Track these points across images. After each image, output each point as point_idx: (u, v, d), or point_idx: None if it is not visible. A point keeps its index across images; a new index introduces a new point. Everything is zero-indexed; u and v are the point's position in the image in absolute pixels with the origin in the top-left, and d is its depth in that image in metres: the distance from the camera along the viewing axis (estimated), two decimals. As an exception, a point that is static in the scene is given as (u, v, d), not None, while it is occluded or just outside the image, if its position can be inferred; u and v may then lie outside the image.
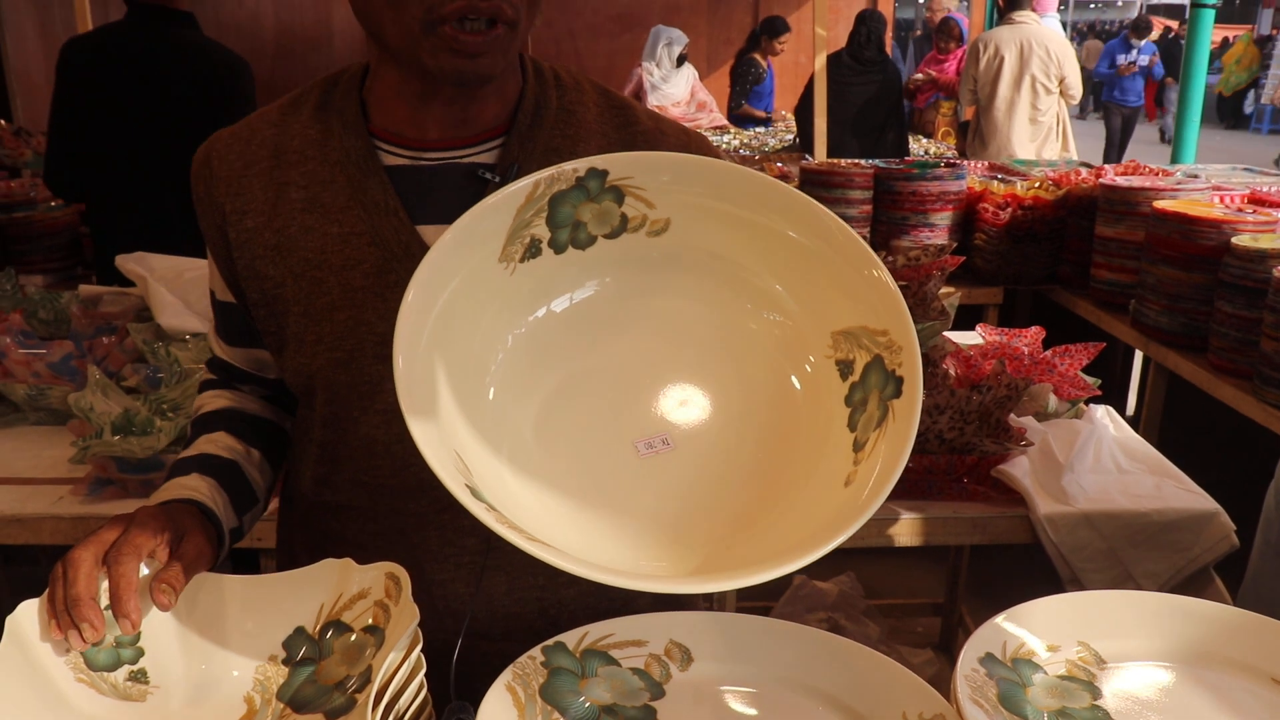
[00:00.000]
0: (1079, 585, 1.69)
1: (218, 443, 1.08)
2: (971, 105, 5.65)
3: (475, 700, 0.82)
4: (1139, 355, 3.34)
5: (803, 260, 0.87)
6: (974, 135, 5.63)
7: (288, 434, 1.17)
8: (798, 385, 0.89)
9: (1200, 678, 0.90)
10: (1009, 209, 3.23)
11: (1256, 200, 2.93)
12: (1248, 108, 16.70)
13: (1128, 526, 1.70)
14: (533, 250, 0.87)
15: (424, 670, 0.83)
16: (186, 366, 1.91)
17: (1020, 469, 1.74)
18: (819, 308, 0.88)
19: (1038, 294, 3.43)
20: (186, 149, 3.24)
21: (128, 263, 2.25)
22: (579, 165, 0.84)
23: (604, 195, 0.86)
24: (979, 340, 2.21)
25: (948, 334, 2.18)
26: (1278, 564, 1.56)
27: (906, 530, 1.69)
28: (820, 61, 4.30)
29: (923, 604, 2.91)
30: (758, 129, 6.23)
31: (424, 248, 0.95)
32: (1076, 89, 5.46)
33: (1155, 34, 11.34)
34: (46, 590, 0.85)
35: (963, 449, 1.72)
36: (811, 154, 4.39)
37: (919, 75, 6.82)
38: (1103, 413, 1.97)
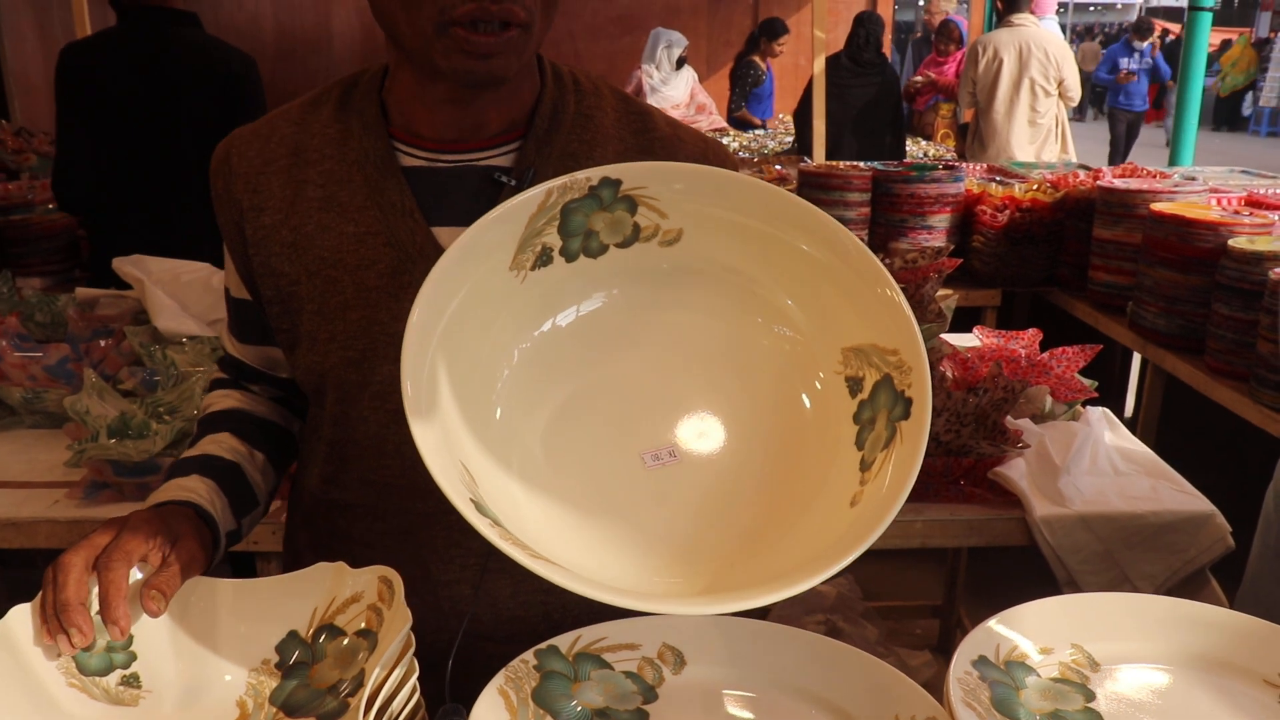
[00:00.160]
0: (1075, 587, 1.69)
1: (221, 443, 1.08)
2: (970, 108, 5.65)
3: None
4: (1137, 357, 3.34)
5: (816, 274, 0.86)
6: (973, 137, 5.63)
7: (295, 438, 1.17)
8: (807, 402, 0.88)
9: (1194, 680, 0.90)
10: (1007, 211, 3.23)
11: (1254, 203, 2.93)
12: (1246, 110, 16.71)
13: (1124, 528, 1.70)
14: (544, 258, 0.86)
15: (416, 674, 0.82)
16: (183, 369, 1.91)
17: (1017, 471, 1.74)
18: (830, 323, 0.87)
19: (1035, 296, 3.43)
20: (197, 149, 3.25)
21: (125, 265, 2.25)
22: (592, 174, 0.83)
23: (617, 205, 0.85)
24: (976, 342, 2.21)
25: (945, 336, 2.18)
26: (1276, 566, 1.55)
27: (903, 532, 1.69)
28: (819, 64, 4.31)
29: (921, 606, 2.91)
30: (757, 131, 6.24)
31: (439, 249, 0.96)
32: (1075, 91, 5.47)
33: (1153, 36, 11.24)
34: (39, 594, 0.85)
35: (959, 451, 1.72)
36: (810, 157, 4.39)
37: (918, 78, 6.82)
38: (1099, 415, 1.97)
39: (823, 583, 0.78)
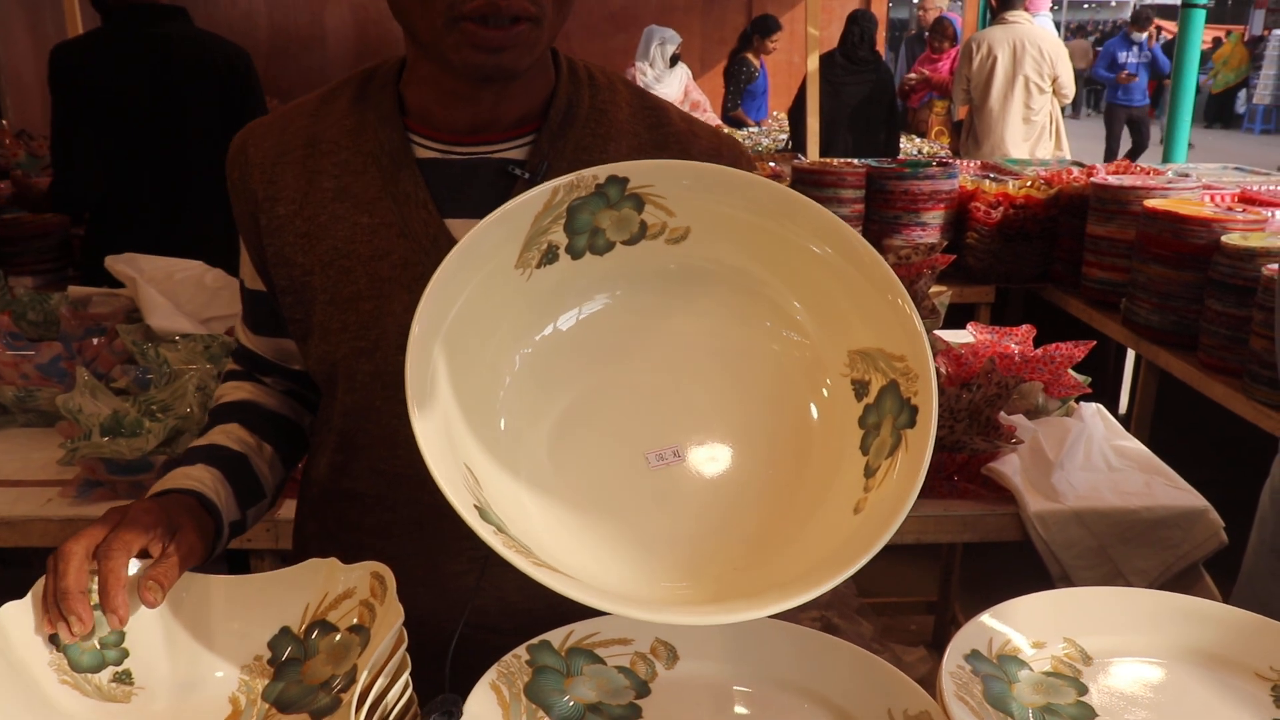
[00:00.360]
0: (1069, 582, 1.69)
1: (230, 434, 1.08)
2: (965, 105, 5.65)
3: None
4: (1131, 354, 3.34)
5: (825, 277, 0.86)
6: (967, 134, 5.64)
7: (305, 433, 1.17)
8: (814, 409, 0.88)
9: (1187, 673, 0.90)
10: (1001, 208, 3.23)
11: (1247, 199, 2.94)
12: (1239, 108, 16.75)
13: (1117, 524, 1.71)
14: (550, 256, 0.86)
15: (409, 670, 0.82)
16: (176, 367, 1.90)
17: (1010, 467, 1.75)
18: (837, 325, 0.87)
19: (1029, 293, 3.44)
20: (198, 145, 3.22)
21: (117, 264, 2.25)
22: (599, 172, 0.83)
23: (624, 202, 0.85)
24: (970, 339, 2.21)
25: (939, 332, 2.18)
26: (1272, 563, 1.56)
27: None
28: (813, 61, 4.31)
29: (916, 602, 2.91)
30: (751, 129, 6.23)
31: (452, 241, 0.96)
32: (1069, 88, 5.47)
33: (1151, 28, 11.10)
34: (31, 591, 0.85)
35: (953, 447, 1.72)
36: (805, 154, 4.39)
37: (912, 75, 6.83)
38: (1093, 411, 1.98)
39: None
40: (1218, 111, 16.89)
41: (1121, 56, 10.22)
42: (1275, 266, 2.18)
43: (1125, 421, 2.82)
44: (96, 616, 0.84)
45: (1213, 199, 2.89)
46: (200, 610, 0.90)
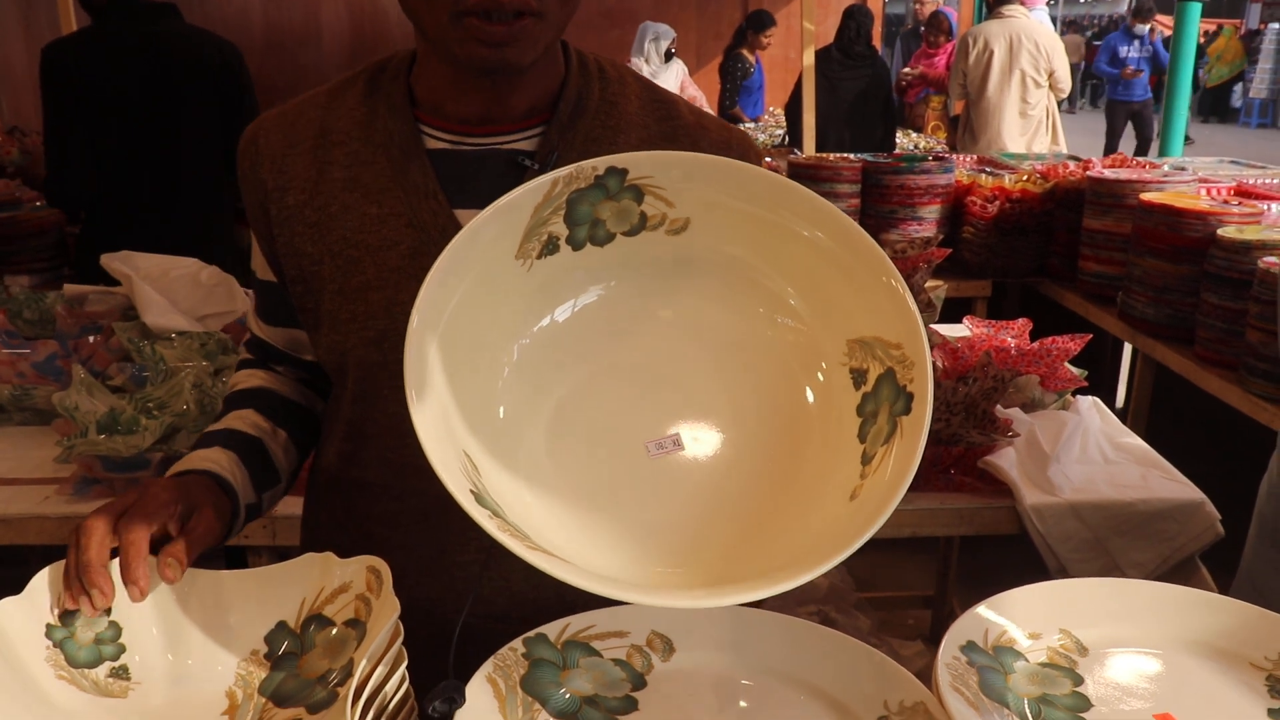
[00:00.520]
0: (1066, 575, 1.69)
1: (245, 419, 1.09)
2: (961, 99, 5.65)
3: None
4: (1127, 347, 3.35)
5: (822, 264, 0.86)
6: (964, 129, 5.64)
7: (318, 420, 1.18)
8: (810, 394, 0.88)
9: (1182, 664, 0.90)
10: (997, 202, 3.23)
11: (1242, 192, 2.94)
12: (1235, 102, 16.75)
13: (1114, 516, 1.71)
14: (550, 247, 0.86)
15: (405, 663, 0.82)
16: (172, 365, 1.90)
17: (1007, 460, 1.75)
18: (835, 314, 0.87)
19: (1026, 287, 3.44)
20: (193, 142, 3.22)
21: (113, 261, 2.24)
22: (598, 163, 0.83)
23: (623, 194, 0.85)
24: (966, 332, 2.21)
25: (935, 326, 2.18)
26: (1272, 555, 1.56)
27: (893, 522, 1.67)
28: (809, 57, 4.31)
29: (913, 596, 2.92)
30: (747, 125, 6.23)
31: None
32: (1066, 83, 5.47)
33: (1153, 20, 10.93)
34: (28, 586, 0.86)
35: (949, 440, 1.72)
36: (801, 149, 4.39)
37: (907, 70, 6.82)
38: (1089, 404, 1.98)
39: (816, 574, 0.78)
40: (1213, 105, 16.89)
41: (1123, 51, 10.02)
42: (1272, 259, 2.19)
43: (1122, 415, 2.82)
44: (88, 618, 0.85)
45: (1208, 192, 2.89)
46: (197, 605, 0.90)
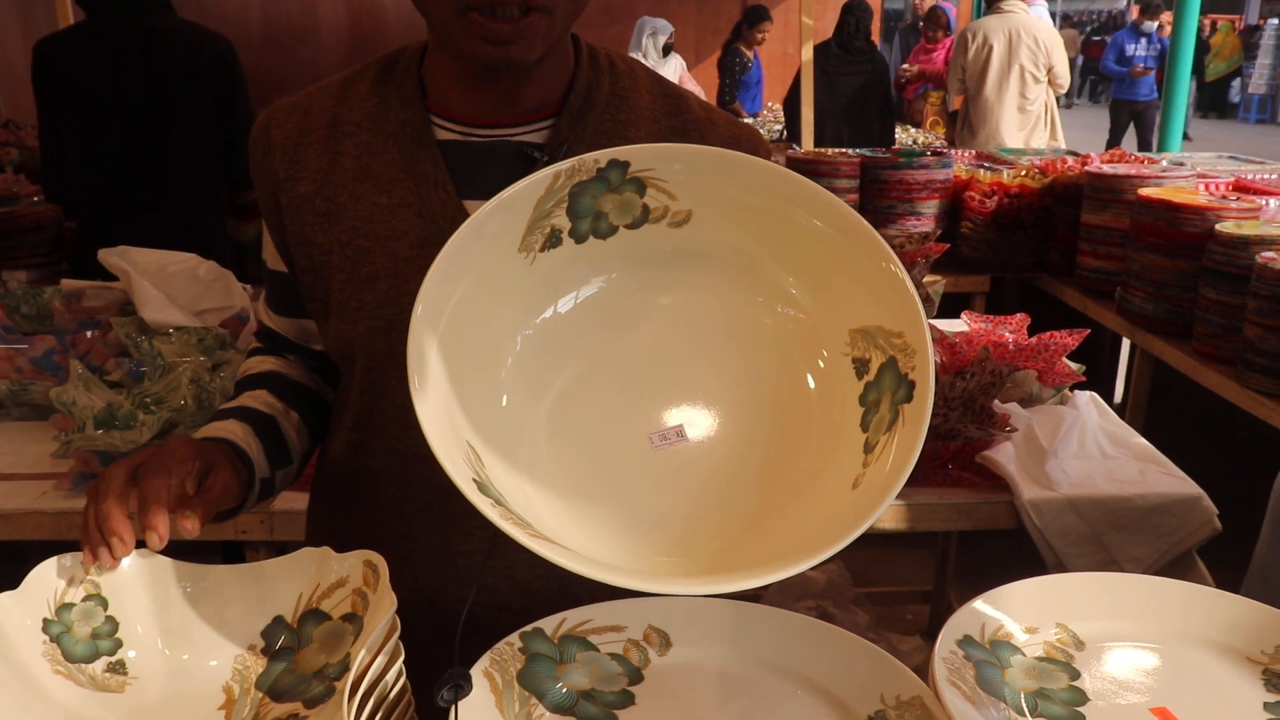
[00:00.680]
0: (1063, 570, 1.69)
1: (259, 398, 1.10)
2: (960, 95, 5.65)
3: None
4: (1126, 343, 3.35)
5: (822, 253, 0.86)
6: (963, 124, 5.63)
7: (329, 406, 1.19)
8: (812, 382, 0.88)
9: (1179, 658, 0.90)
10: (995, 197, 3.23)
11: (1241, 188, 2.94)
12: (1234, 97, 16.74)
13: (1111, 511, 1.71)
14: (553, 240, 0.86)
15: (402, 657, 0.82)
16: (170, 360, 1.90)
17: (1005, 455, 1.75)
18: (837, 304, 0.87)
19: (1024, 282, 3.44)
20: (184, 135, 3.21)
21: (110, 257, 2.24)
22: (600, 156, 0.83)
23: (625, 186, 0.86)
24: (965, 327, 2.21)
25: (933, 321, 2.18)
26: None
27: (891, 516, 1.70)
28: (807, 52, 4.30)
29: (911, 591, 2.92)
30: (746, 120, 6.22)
31: None
32: (1065, 78, 5.47)
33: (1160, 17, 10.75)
34: (25, 580, 0.85)
35: (947, 435, 1.72)
36: (800, 145, 4.38)
37: (906, 65, 6.81)
38: (1087, 399, 1.98)
39: (813, 568, 0.78)
40: (1212, 100, 16.88)
41: (1130, 49, 9.88)
42: (1270, 254, 2.19)
43: (1120, 410, 2.82)
44: (90, 609, 0.85)
45: (1207, 187, 2.89)
46: (194, 599, 0.90)
